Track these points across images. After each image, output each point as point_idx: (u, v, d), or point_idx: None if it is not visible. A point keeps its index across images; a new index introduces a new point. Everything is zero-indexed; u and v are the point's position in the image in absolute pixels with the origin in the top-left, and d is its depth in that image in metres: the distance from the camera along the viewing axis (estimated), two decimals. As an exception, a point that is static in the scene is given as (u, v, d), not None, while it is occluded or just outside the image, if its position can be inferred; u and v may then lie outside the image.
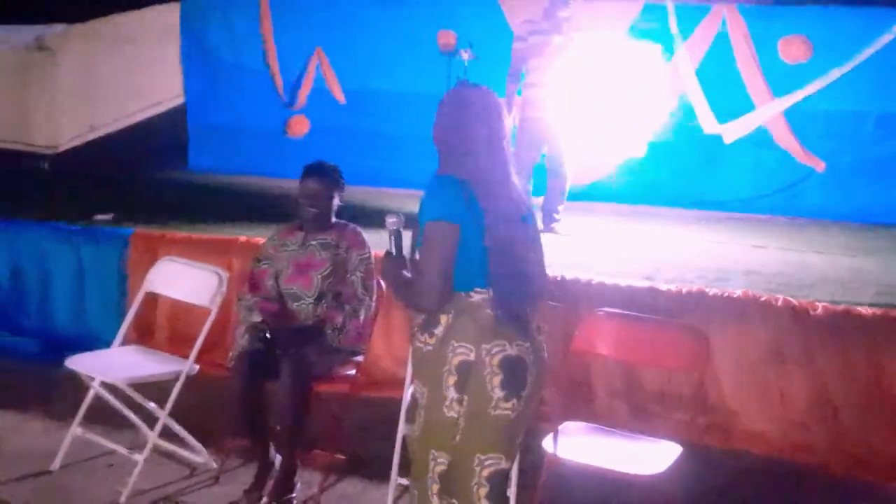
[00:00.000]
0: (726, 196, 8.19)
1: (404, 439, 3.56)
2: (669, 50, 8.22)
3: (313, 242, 3.65)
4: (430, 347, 2.47)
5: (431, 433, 2.48)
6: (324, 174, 3.66)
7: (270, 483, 3.52)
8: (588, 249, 5.54)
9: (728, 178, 8.25)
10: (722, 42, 8.11)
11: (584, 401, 4.32)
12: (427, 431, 2.50)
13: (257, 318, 3.53)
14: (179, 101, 10.01)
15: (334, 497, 3.59)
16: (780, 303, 4.11)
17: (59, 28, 9.37)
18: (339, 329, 3.53)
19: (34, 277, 5.48)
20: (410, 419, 2.64)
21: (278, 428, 3.44)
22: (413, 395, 2.60)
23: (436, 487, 2.47)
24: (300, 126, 9.57)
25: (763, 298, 4.14)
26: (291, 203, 3.75)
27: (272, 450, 3.61)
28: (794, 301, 4.12)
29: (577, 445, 3.02)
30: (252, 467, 3.67)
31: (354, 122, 9.22)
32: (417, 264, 2.44)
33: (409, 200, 7.82)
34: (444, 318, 2.44)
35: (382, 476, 3.73)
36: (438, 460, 2.46)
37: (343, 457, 3.85)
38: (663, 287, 4.29)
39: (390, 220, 2.57)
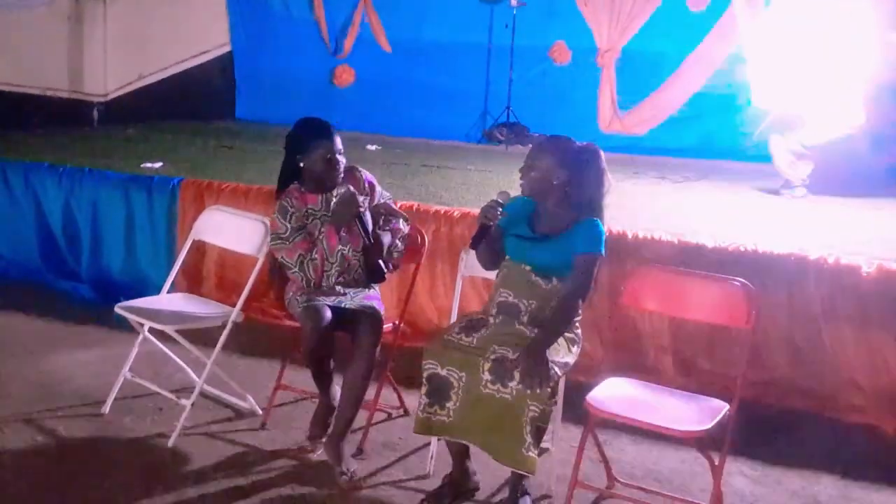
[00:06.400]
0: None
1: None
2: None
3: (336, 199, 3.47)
4: None
5: None
6: (332, 128, 3.47)
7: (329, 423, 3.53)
8: (639, 203, 5.45)
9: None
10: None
11: (630, 356, 4.29)
12: None
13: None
14: (227, 49, 10.02)
15: (378, 443, 3.63)
16: (832, 260, 4.01)
17: (109, -24, 9.40)
18: (393, 249, 3.55)
19: (86, 224, 5.56)
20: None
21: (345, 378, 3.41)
22: None
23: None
24: (346, 75, 9.53)
25: (815, 256, 4.05)
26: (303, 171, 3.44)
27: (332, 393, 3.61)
28: (847, 259, 4.02)
29: (622, 400, 3.00)
30: (296, 412, 3.73)
31: (400, 71, 9.14)
32: (587, 278, 3.05)
33: (453, 152, 7.81)
34: None
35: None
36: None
37: (386, 405, 3.90)
38: (711, 243, 4.21)
39: (502, 197, 3.11)
